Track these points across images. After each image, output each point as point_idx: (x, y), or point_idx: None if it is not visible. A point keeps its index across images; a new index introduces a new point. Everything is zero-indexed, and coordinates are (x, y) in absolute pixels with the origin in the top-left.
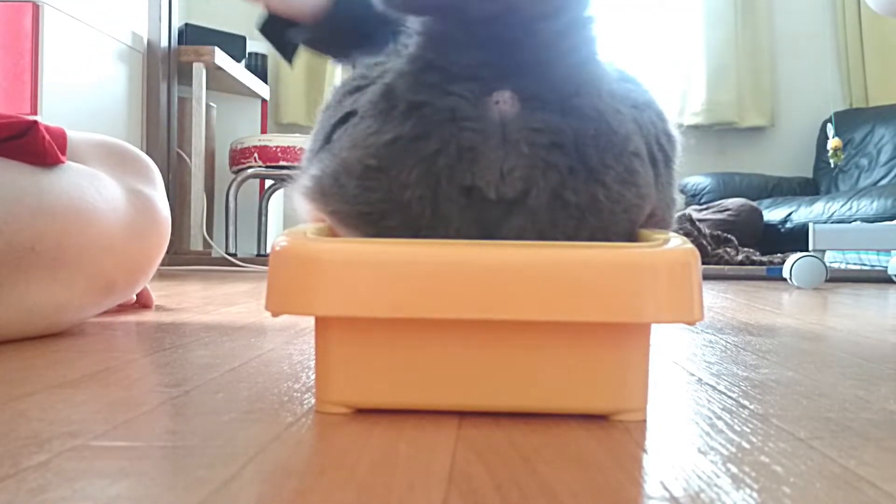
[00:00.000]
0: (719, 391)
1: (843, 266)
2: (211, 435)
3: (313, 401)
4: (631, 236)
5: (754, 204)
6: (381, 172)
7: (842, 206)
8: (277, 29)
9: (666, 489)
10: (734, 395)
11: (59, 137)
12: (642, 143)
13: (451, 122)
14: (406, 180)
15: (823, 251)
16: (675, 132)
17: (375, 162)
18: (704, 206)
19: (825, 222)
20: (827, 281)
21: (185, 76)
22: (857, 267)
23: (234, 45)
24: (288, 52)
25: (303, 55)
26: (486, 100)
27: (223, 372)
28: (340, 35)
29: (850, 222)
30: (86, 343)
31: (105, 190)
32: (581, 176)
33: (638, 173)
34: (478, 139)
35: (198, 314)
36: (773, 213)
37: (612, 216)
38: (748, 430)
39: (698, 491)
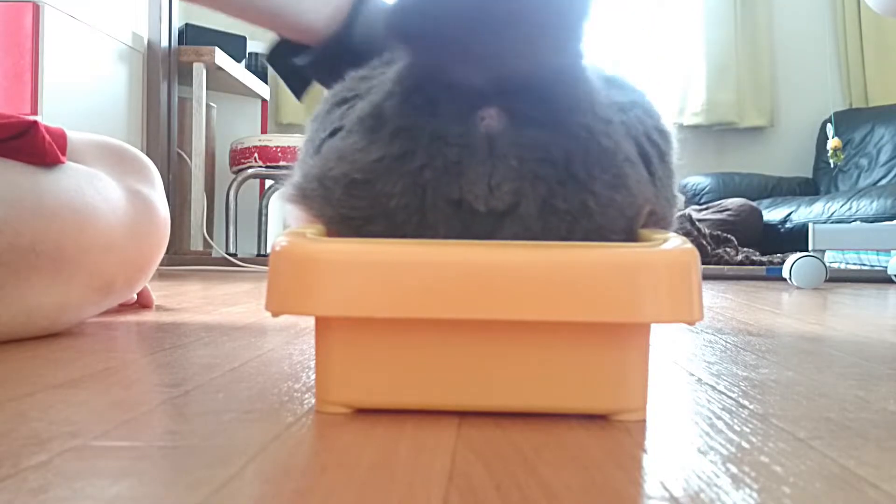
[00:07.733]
0: (719, 391)
1: (842, 266)
2: (211, 435)
3: (313, 401)
4: (630, 235)
5: (754, 204)
6: (367, 185)
7: (841, 206)
8: (285, 56)
9: (666, 489)
10: (734, 395)
11: (59, 137)
12: (632, 146)
13: (437, 141)
14: (391, 191)
15: (823, 251)
16: (668, 127)
17: (361, 176)
18: (704, 206)
19: (825, 222)
20: (827, 281)
21: (185, 76)
22: (857, 267)
23: (234, 45)
24: (296, 84)
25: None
26: (472, 117)
27: (223, 372)
28: (349, 59)
29: (850, 222)
30: (86, 343)
31: (105, 190)
32: (570, 186)
33: (628, 176)
34: (464, 153)
35: (198, 314)
36: (772, 213)
37: (604, 218)
38: (748, 430)
39: (698, 491)
